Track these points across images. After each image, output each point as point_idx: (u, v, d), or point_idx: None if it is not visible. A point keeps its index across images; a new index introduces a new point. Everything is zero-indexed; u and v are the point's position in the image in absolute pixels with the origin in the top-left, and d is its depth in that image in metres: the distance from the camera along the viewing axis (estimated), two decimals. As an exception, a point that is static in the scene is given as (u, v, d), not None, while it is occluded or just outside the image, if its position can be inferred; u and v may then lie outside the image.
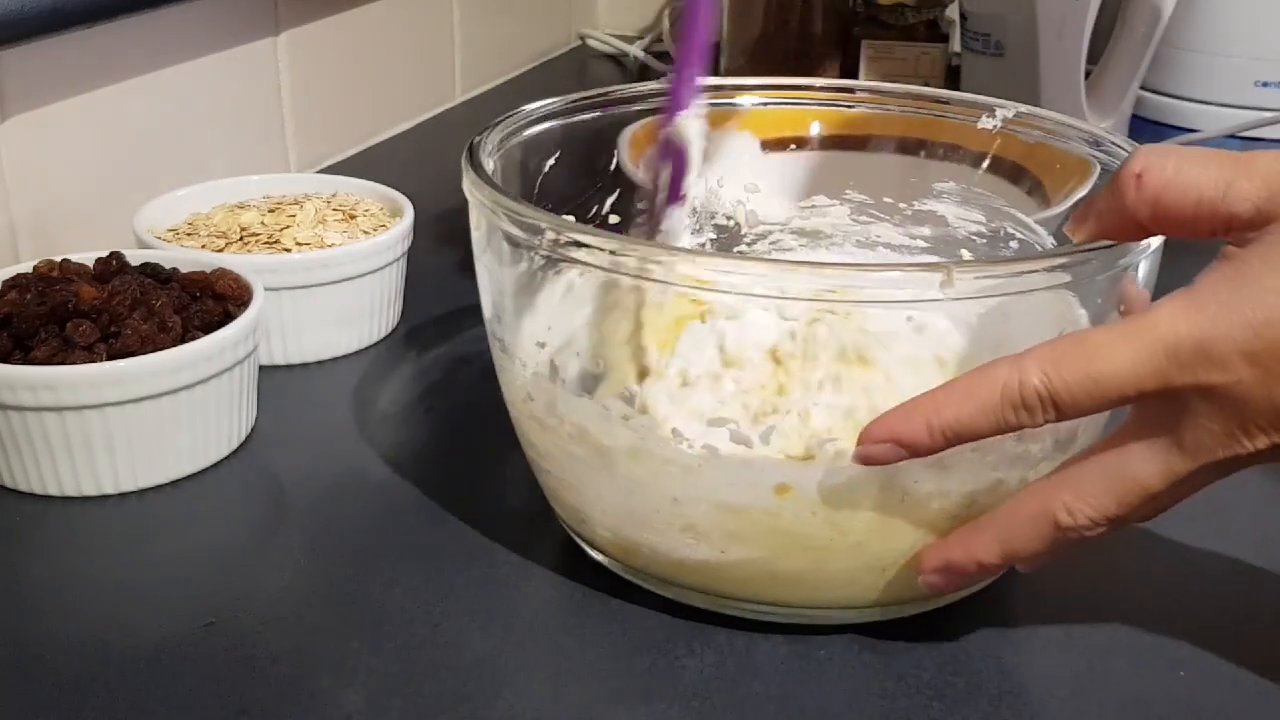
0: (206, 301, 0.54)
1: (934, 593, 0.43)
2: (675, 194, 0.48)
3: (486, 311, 0.47)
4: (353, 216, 0.65)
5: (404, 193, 0.67)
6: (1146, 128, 1.02)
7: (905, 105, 0.57)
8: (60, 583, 0.46)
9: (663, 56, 1.24)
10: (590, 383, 0.44)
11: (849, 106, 0.58)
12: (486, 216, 0.44)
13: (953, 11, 1.09)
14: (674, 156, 0.48)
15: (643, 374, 0.44)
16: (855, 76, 1.04)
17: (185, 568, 0.47)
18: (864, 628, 0.44)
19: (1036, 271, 0.39)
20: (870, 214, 0.58)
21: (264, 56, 0.83)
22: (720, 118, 0.57)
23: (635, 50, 1.26)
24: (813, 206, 0.59)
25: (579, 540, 0.47)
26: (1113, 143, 0.49)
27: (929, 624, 0.44)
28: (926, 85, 0.60)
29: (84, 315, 0.50)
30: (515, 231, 0.42)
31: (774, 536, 0.41)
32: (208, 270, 0.56)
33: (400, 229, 0.64)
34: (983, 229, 0.55)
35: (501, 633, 0.43)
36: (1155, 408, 0.37)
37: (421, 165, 0.92)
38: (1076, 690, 0.41)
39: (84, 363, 0.49)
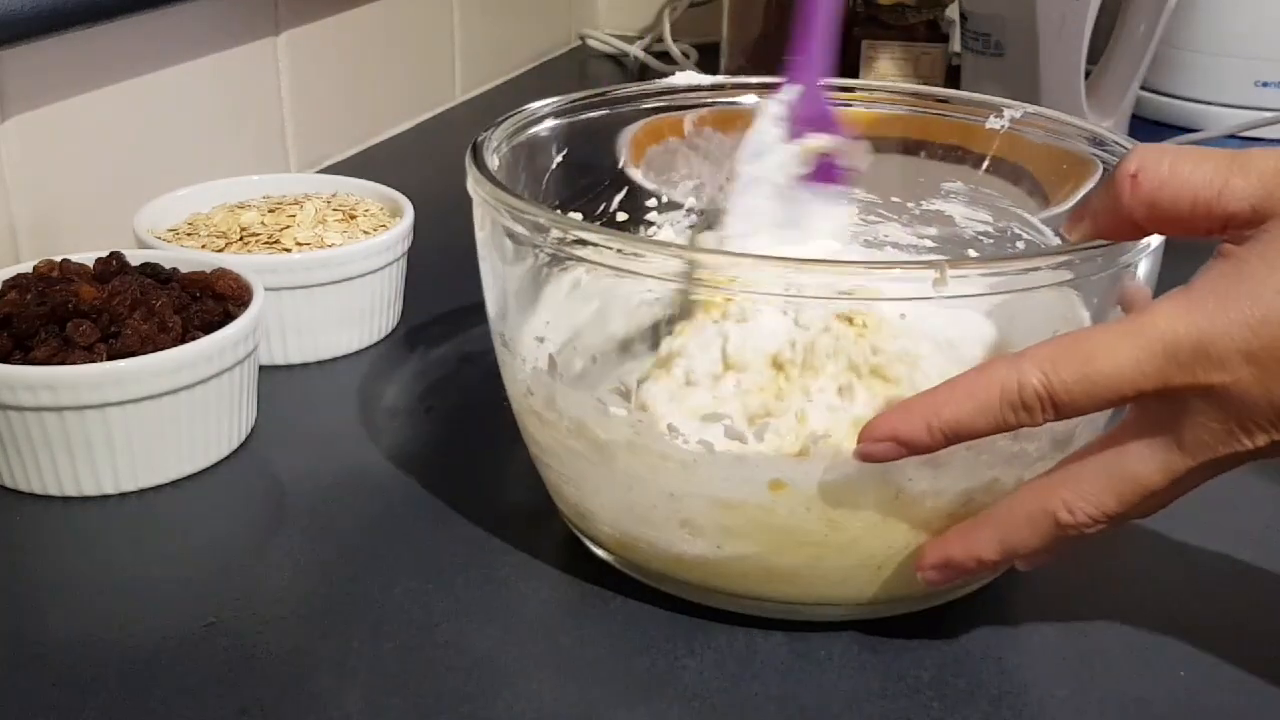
0: (206, 301, 0.54)
1: (932, 588, 0.43)
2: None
3: (490, 308, 0.47)
4: (353, 216, 0.65)
5: (404, 193, 0.67)
6: (1146, 128, 1.02)
7: (906, 104, 0.57)
8: (60, 583, 0.46)
9: (663, 56, 1.24)
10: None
11: (847, 105, 0.58)
12: (490, 214, 0.44)
13: (953, 11, 1.09)
14: (829, 172, 0.51)
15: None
16: (855, 76, 1.04)
17: (185, 568, 0.47)
18: (864, 627, 0.44)
19: (1035, 270, 0.39)
20: (878, 213, 0.58)
21: (264, 56, 0.83)
22: (725, 118, 0.57)
23: (635, 50, 1.26)
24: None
25: (581, 536, 0.47)
26: (1116, 142, 0.49)
27: (929, 623, 0.44)
28: (925, 85, 0.60)
29: (84, 315, 0.50)
30: (519, 229, 0.42)
31: (769, 532, 0.42)
32: (208, 270, 0.56)
33: (400, 229, 0.64)
34: (990, 229, 0.55)
35: (501, 632, 0.43)
36: (1154, 406, 0.37)
37: (421, 165, 0.92)
38: (1076, 690, 0.41)
39: (84, 363, 0.49)
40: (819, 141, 0.52)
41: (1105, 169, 0.49)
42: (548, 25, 1.27)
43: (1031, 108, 0.53)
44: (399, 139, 0.99)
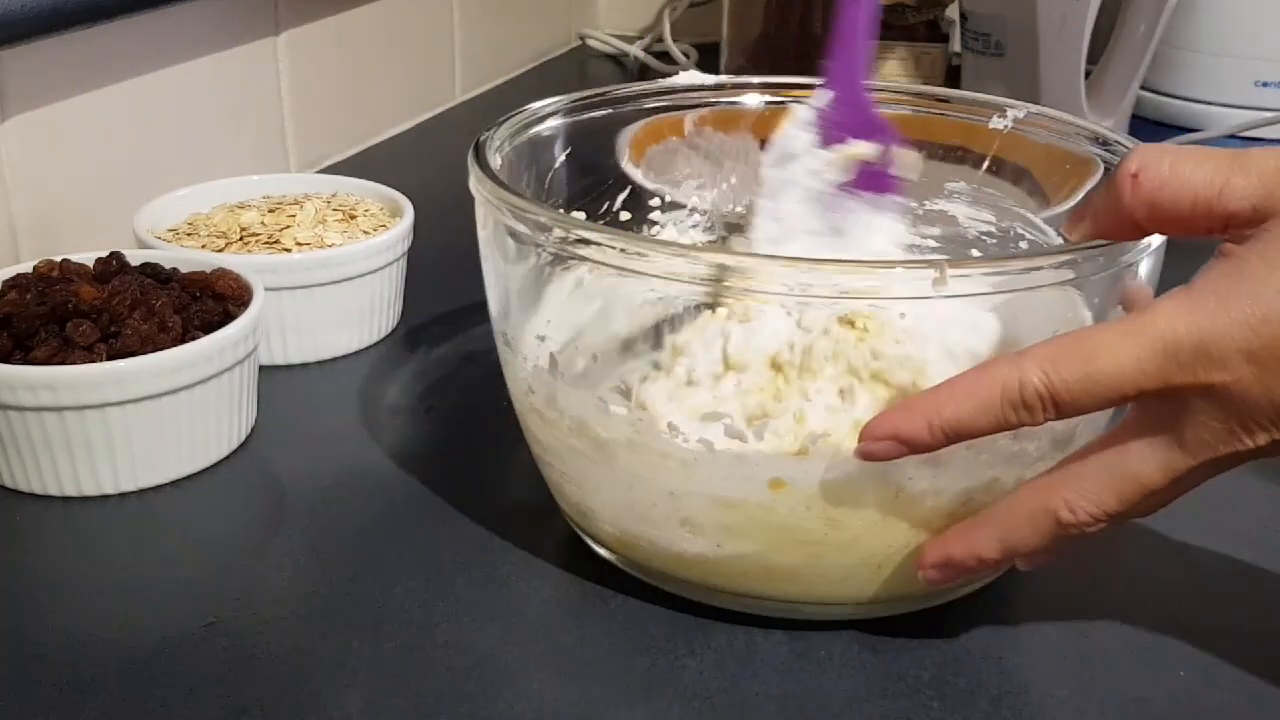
0: (206, 301, 0.54)
1: (933, 588, 0.43)
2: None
3: (492, 307, 0.47)
4: (353, 216, 0.65)
5: (404, 193, 0.67)
6: (1146, 128, 1.02)
7: (907, 104, 0.57)
8: (60, 583, 0.46)
9: (663, 56, 1.24)
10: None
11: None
12: (493, 214, 0.44)
13: (953, 11, 1.09)
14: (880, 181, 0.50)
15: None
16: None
17: (185, 568, 0.47)
18: (864, 627, 0.44)
19: (1037, 270, 0.39)
20: None
21: (264, 56, 0.83)
22: (725, 118, 0.57)
23: (635, 50, 1.26)
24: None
25: (582, 535, 0.47)
26: (1118, 142, 0.49)
27: (929, 623, 0.44)
28: (926, 85, 0.60)
29: (84, 315, 0.50)
30: (521, 229, 0.42)
31: (769, 531, 0.42)
32: (208, 270, 0.56)
33: (400, 229, 0.64)
34: (993, 229, 0.55)
35: (502, 632, 0.43)
36: (1155, 405, 0.37)
37: (421, 165, 0.92)
38: (1076, 690, 0.41)
39: (84, 363, 0.49)
40: (860, 148, 0.50)
41: (1107, 169, 0.49)
42: (548, 25, 1.27)
43: (1034, 108, 0.53)
44: (399, 139, 0.99)
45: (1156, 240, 0.41)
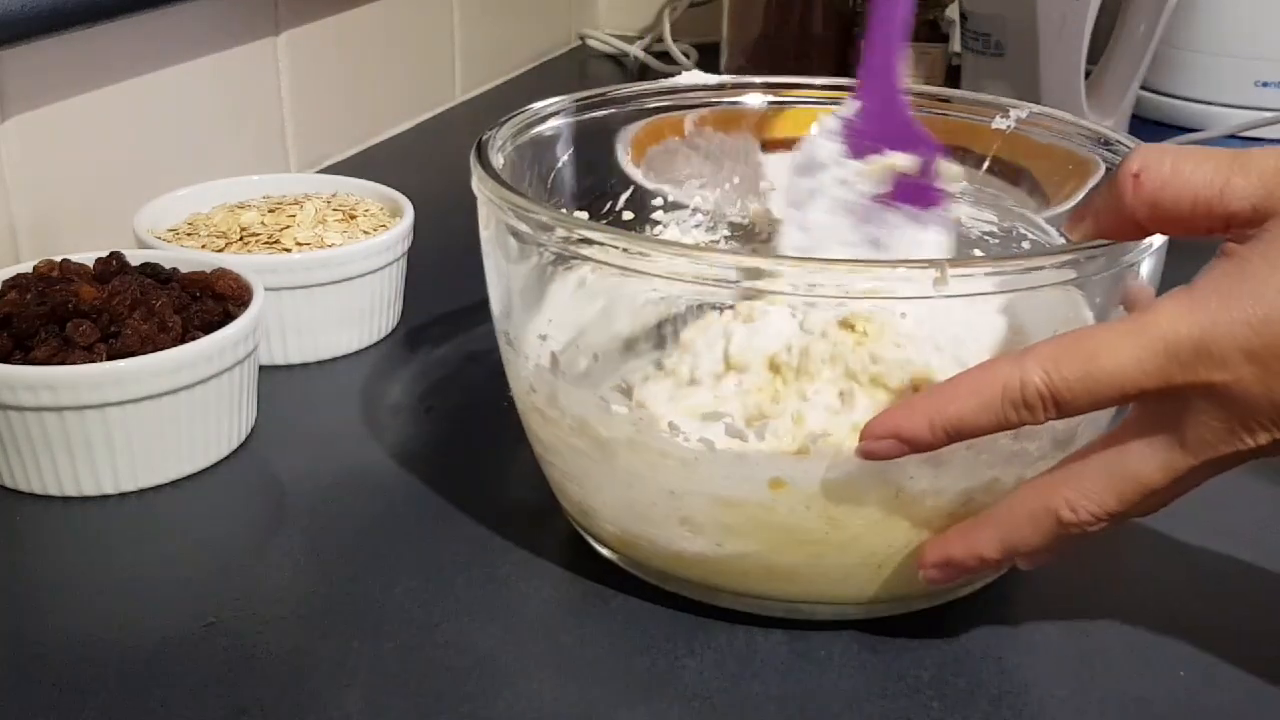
0: (206, 301, 0.54)
1: (933, 587, 0.43)
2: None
3: (494, 306, 0.47)
4: (353, 216, 0.65)
5: (404, 193, 0.67)
6: (1146, 128, 1.02)
7: (910, 104, 0.56)
8: (60, 583, 0.46)
9: (663, 56, 1.24)
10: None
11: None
12: (495, 213, 0.44)
13: (953, 11, 1.09)
14: (922, 193, 0.48)
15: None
16: (856, 76, 1.04)
17: (185, 568, 0.47)
18: (864, 627, 0.44)
19: (1038, 270, 0.39)
20: None
21: (264, 56, 0.83)
22: (726, 118, 0.57)
23: (635, 50, 1.26)
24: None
25: (584, 534, 0.47)
26: (1119, 142, 0.49)
27: (929, 623, 0.44)
28: (926, 85, 0.60)
29: (84, 315, 0.50)
30: (524, 228, 0.42)
31: (769, 531, 0.42)
32: (208, 270, 0.56)
33: (400, 229, 0.64)
34: (995, 229, 0.55)
35: (501, 632, 0.43)
36: (1156, 405, 0.37)
37: (421, 165, 0.92)
38: (1076, 690, 0.41)
39: (84, 363, 0.49)
40: (895, 159, 0.49)
41: (1108, 169, 0.49)
42: (548, 25, 1.27)
43: (1037, 108, 0.53)
44: (399, 139, 0.99)
45: (1158, 240, 0.41)
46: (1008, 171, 0.55)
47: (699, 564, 0.43)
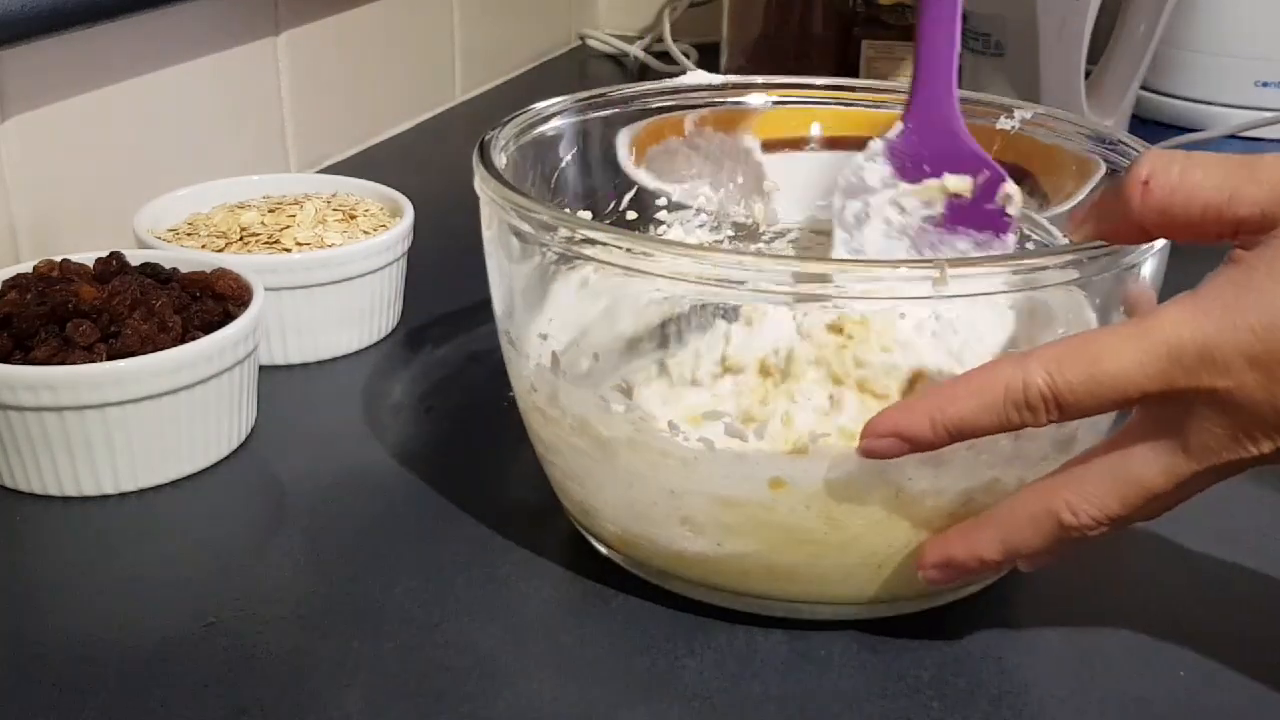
0: (206, 301, 0.54)
1: (933, 588, 0.43)
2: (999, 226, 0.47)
3: (496, 306, 0.47)
4: (353, 216, 0.65)
5: (404, 193, 0.67)
6: (1146, 128, 1.02)
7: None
8: (60, 583, 0.46)
9: (663, 56, 1.24)
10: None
11: (848, 105, 0.58)
12: (497, 213, 0.44)
13: (953, 11, 1.08)
14: (986, 216, 0.46)
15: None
16: (855, 76, 1.04)
17: (185, 568, 0.47)
18: (864, 627, 0.44)
19: (1040, 270, 0.39)
20: None
21: (264, 56, 0.83)
22: (726, 118, 0.57)
23: (635, 50, 1.26)
24: (830, 205, 0.59)
25: (585, 534, 0.47)
26: (1121, 142, 0.49)
27: (929, 623, 0.44)
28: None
29: (84, 315, 0.50)
30: (526, 228, 0.42)
31: (769, 530, 0.42)
32: (208, 270, 0.56)
33: (400, 229, 0.64)
34: None
35: (501, 632, 0.43)
36: (1160, 409, 0.37)
37: (421, 165, 0.92)
38: (1076, 690, 0.41)
39: (84, 363, 0.49)
40: (951, 182, 0.48)
41: (1110, 169, 0.49)
42: (548, 25, 1.27)
43: (1041, 108, 0.53)
44: (399, 139, 0.99)
45: (1161, 240, 0.41)
46: (1008, 171, 0.55)
47: (699, 564, 0.43)
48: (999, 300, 0.42)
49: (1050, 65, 0.92)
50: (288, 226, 0.63)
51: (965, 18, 1.01)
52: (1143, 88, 1.00)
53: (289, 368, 0.62)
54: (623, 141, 0.56)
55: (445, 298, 0.68)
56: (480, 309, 0.48)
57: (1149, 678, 0.42)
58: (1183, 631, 0.44)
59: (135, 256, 0.56)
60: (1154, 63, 0.97)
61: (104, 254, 0.55)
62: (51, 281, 0.53)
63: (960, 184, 0.48)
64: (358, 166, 0.90)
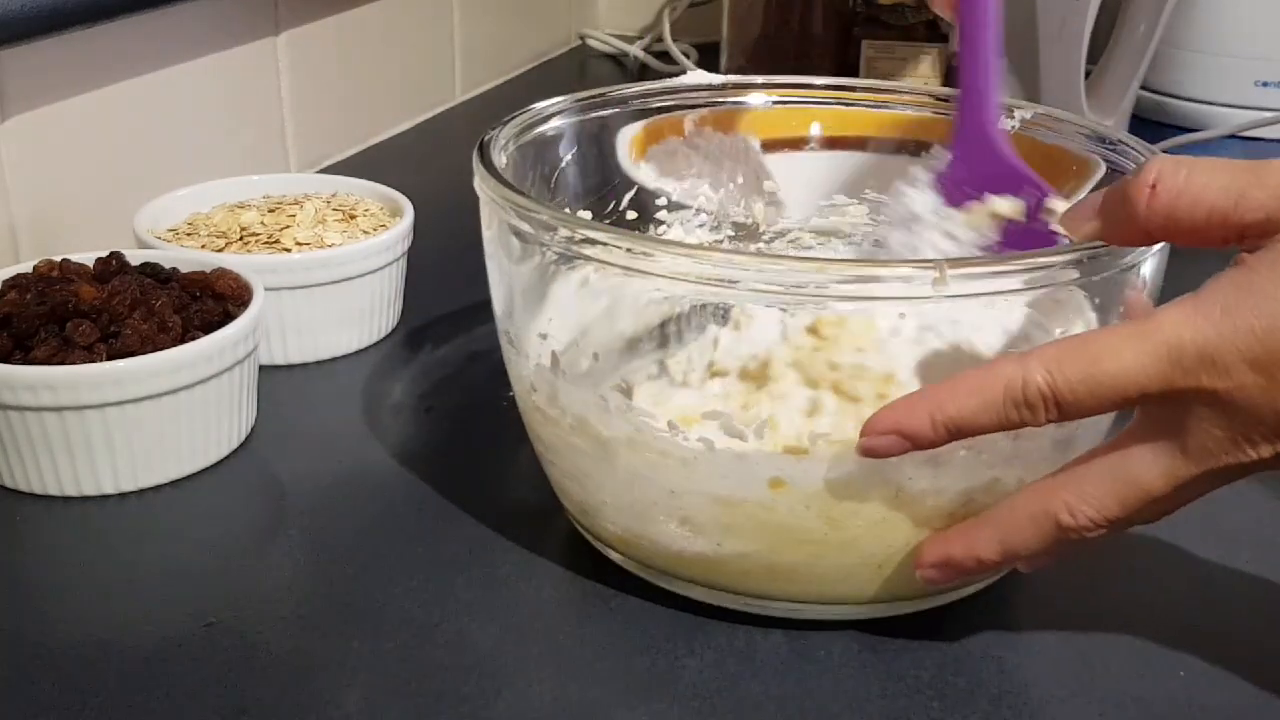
0: (206, 301, 0.54)
1: (932, 587, 0.43)
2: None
3: (496, 306, 0.47)
4: (353, 216, 0.65)
5: (404, 193, 0.67)
6: (1146, 128, 1.02)
7: (909, 104, 0.57)
8: (60, 583, 0.46)
9: (663, 56, 1.24)
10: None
11: (848, 105, 0.58)
12: (498, 213, 0.44)
13: (953, 11, 1.08)
14: (1041, 239, 0.45)
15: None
16: (855, 76, 1.04)
17: (185, 568, 0.47)
18: (864, 627, 0.44)
19: (1040, 270, 0.39)
20: (885, 214, 0.58)
21: (264, 56, 0.83)
22: (726, 118, 0.57)
23: (635, 50, 1.26)
24: (832, 205, 0.59)
25: (585, 534, 0.47)
26: (1122, 142, 0.49)
27: (929, 623, 0.44)
28: (926, 85, 0.60)
29: (84, 315, 0.50)
30: (526, 228, 0.42)
31: (768, 530, 0.42)
32: (208, 270, 0.56)
33: (400, 229, 0.64)
34: None
35: (501, 632, 0.43)
36: (1159, 411, 0.37)
37: (421, 165, 0.92)
38: (1076, 690, 0.41)
39: (84, 363, 0.49)
40: (1000, 204, 0.46)
41: (1111, 169, 0.49)
42: (548, 25, 1.27)
43: (1041, 108, 0.53)
44: (399, 139, 0.99)
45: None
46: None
47: (699, 563, 0.43)
48: (998, 300, 0.42)
49: (1050, 65, 0.92)
50: (288, 226, 0.63)
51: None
52: (1143, 88, 1.00)
53: (289, 368, 0.62)
54: (623, 141, 0.56)
55: (445, 298, 0.68)
56: (480, 309, 0.48)
57: (1149, 678, 0.42)
58: (1183, 631, 0.44)
59: (135, 256, 0.56)
60: (1154, 63, 0.97)
61: (104, 254, 0.55)
62: (51, 281, 0.53)
63: (1013, 208, 0.46)
64: (358, 166, 0.90)
